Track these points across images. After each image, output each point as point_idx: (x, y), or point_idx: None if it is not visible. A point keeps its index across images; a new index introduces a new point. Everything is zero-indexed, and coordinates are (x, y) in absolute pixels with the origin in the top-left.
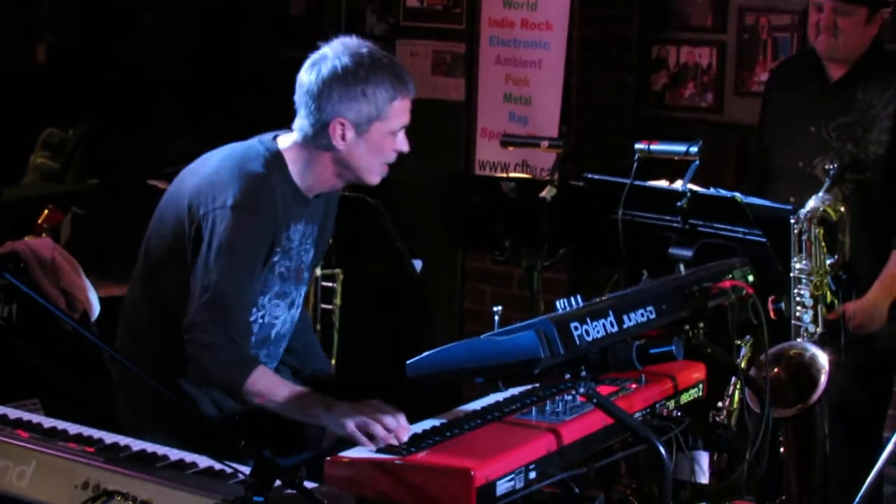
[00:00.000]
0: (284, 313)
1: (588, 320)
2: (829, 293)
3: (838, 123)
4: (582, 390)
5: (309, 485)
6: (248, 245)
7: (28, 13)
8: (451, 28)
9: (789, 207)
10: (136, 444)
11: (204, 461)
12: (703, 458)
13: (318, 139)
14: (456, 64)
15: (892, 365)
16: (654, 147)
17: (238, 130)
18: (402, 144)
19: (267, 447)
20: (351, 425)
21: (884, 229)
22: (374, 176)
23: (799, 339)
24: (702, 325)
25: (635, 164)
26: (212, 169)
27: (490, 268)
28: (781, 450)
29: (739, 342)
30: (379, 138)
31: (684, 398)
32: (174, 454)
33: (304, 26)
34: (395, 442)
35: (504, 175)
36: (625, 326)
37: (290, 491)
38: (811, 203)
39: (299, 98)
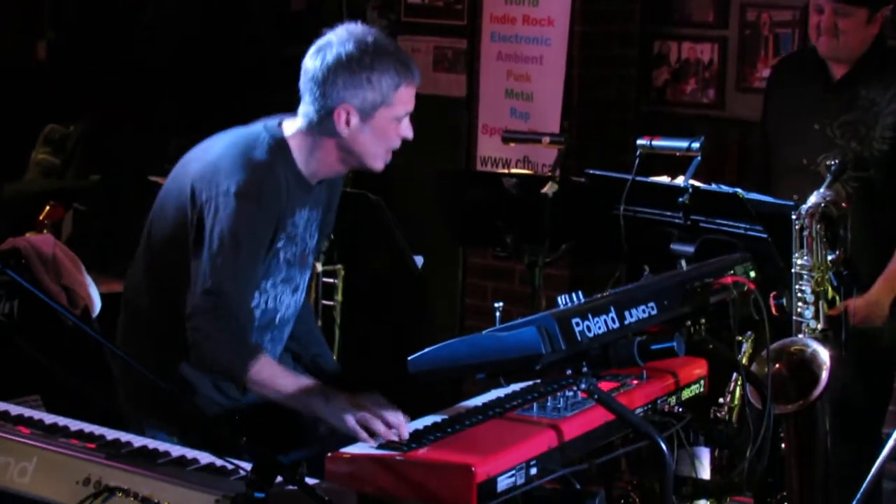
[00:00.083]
0: (289, 298)
1: (589, 316)
2: (830, 289)
3: (842, 121)
4: (583, 386)
5: (310, 481)
6: (251, 233)
7: (29, 10)
8: (453, 24)
9: (791, 203)
10: (138, 441)
11: (205, 457)
12: (705, 454)
13: (322, 125)
14: (457, 60)
15: (893, 361)
16: (655, 143)
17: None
18: (407, 131)
19: (268, 444)
20: (352, 421)
21: (887, 226)
22: (378, 162)
23: (800, 335)
24: (703, 321)
25: (637, 160)
26: (216, 155)
27: (491, 264)
28: (782, 446)
29: (741, 338)
30: (384, 125)
31: (686, 394)
32: (175, 450)
33: (304, 22)
34: (395, 438)
35: (505, 171)
36: (626, 322)
37: (291, 487)
38: (812, 199)
39: (304, 84)
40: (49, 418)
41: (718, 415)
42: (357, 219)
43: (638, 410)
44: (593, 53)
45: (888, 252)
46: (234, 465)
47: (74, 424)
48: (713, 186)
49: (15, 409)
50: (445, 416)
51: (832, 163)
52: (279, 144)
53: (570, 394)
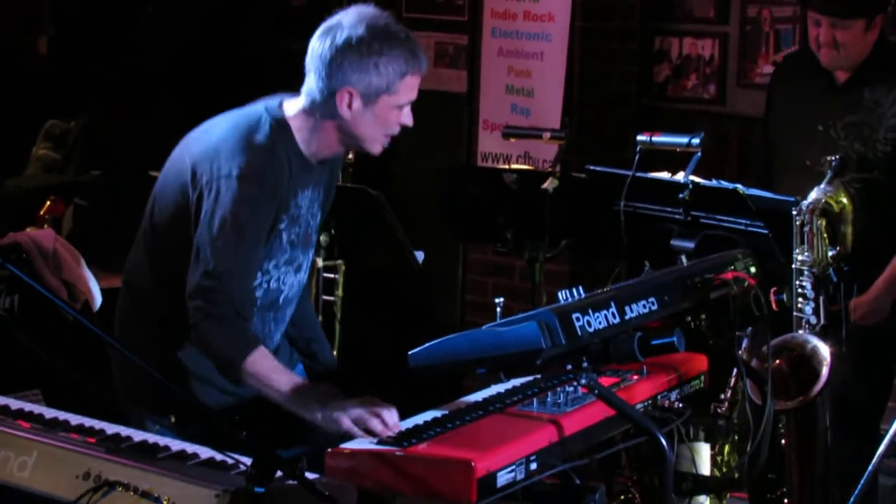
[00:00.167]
0: (292, 278)
1: (590, 311)
2: (830, 285)
3: (846, 122)
4: (583, 381)
5: (310, 476)
6: (253, 216)
7: (30, 5)
8: (454, 20)
9: (791, 199)
10: (138, 435)
11: (205, 452)
12: (705, 450)
13: (324, 106)
14: (458, 55)
15: (894, 357)
16: (656, 139)
17: None
18: (407, 118)
19: (268, 438)
20: (347, 421)
21: (890, 227)
22: (376, 146)
23: (801, 331)
24: (703, 316)
25: (637, 156)
26: (217, 137)
27: (492, 259)
28: (783, 442)
29: (741, 334)
30: (385, 111)
31: (686, 390)
32: (175, 445)
33: (305, 18)
34: (392, 434)
35: (506, 167)
36: (627, 318)
37: (291, 482)
38: (813, 195)
39: (310, 62)
40: (49, 413)
41: (719, 410)
42: (358, 214)
43: (638, 406)
44: (594, 49)
45: (891, 252)
46: (234, 459)
47: (74, 419)
48: (713, 182)
49: (15, 404)
50: (445, 412)
51: (833, 158)
52: (280, 125)
53: (571, 389)
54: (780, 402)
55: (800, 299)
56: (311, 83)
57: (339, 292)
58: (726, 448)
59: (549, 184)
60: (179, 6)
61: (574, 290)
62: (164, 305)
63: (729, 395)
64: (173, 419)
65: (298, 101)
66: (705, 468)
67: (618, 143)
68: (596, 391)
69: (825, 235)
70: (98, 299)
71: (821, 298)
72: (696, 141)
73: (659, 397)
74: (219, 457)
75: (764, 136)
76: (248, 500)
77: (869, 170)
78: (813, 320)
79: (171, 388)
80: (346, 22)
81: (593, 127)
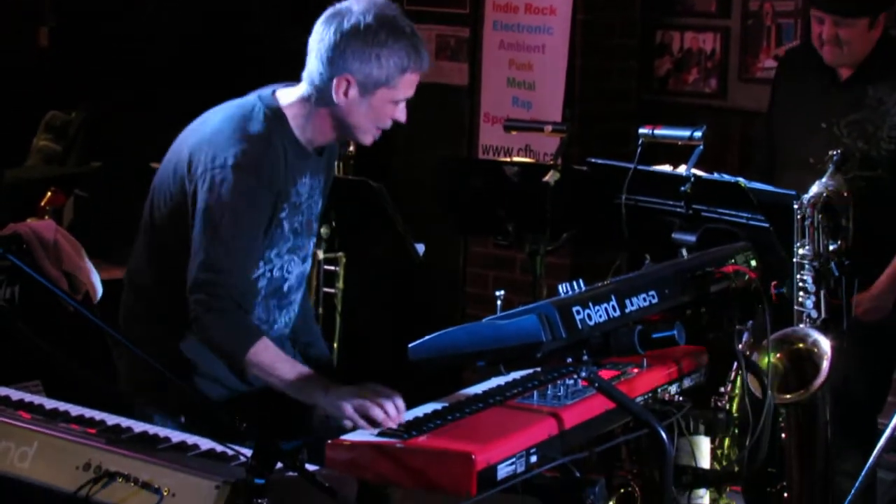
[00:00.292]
0: (297, 266)
1: (590, 304)
2: (831, 279)
3: (849, 120)
4: (583, 374)
5: (310, 467)
6: (250, 205)
7: None
8: (455, 12)
9: (792, 193)
10: (138, 426)
11: (206, 443)
12: (705, 443)
13: (321, 91)
14: (459, 48)
15: (894, 352)
16: (657, 132)
17: None
18: (401, 114)
19: (268, 430)
20: (349, 409)
21: (894, 225)
22: (366, 136)
23: (801, 325)
24: (704, 309)
25: (639, 149)
26: (213, 128)
27: (493, 252)
28: (783, 436)
29: (742, 327)
30: (381, 104)
31: (686, 383)
32: (176, 436)
33: (306, 10)
34: (393, 425)
35: (507, 160)
36: (627, 311)
37: (291, 473)
38: (814, 188)
39: (313, 45)
40: (49, 403)
41: (719, 404)
42: (359, 206)
43: (638, 399)
44: (595, 43)
45: (894, 249)
46: (234, 450)
47: (75, 410)
48: (715, 176)
49: (16, 395)
50: (445, 404)
51: (834, 153)
52: (275, 114)
53: (571, 382)
54: (780, 395)
55: (800, 293)
56: (312, 67)
57: (340, 284)
58: (726, 441)
59: (551, 177)
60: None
61: (575, 283)
62: (166, 301)
63: (729, 388)
64: (183, 419)
65: (296, 89)
66: (705, 461)
67: (619, 137)
68: (596, 384)
69: (826, 229)
70: (99, 290)
71: (822, 292)
72: (697, 134)
73: (659, 390)
74: (219, 448)
75: (767, 130)
76: (248, 492)
77: (872, 168)
78: (814, 314)
79: (171, 377)
80: (356, 8)
81: (594, 120)
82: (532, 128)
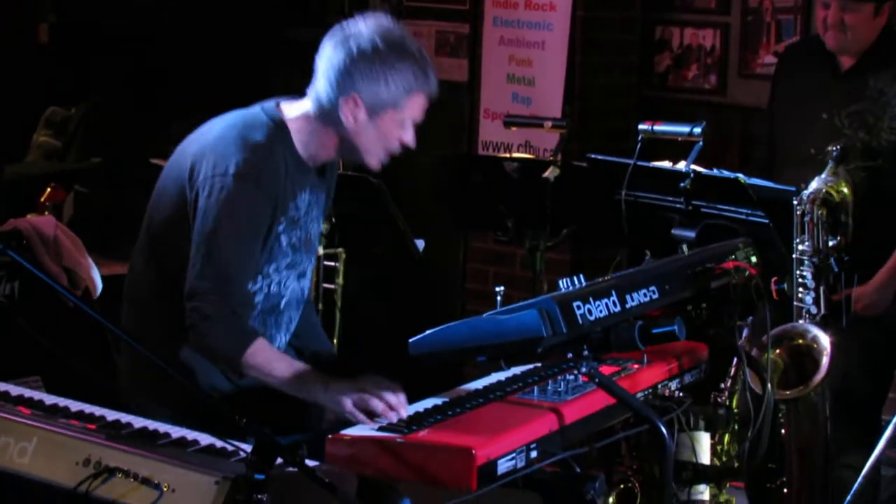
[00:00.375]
0: (294, 283)
1: (591, 300)
2: (831, 275)
3: (850, 111)
4: (584, 370)
5: (310, 463)
6: (250, 214)
7: None
8: (455, 9)
9: (792, 189)
10: (138, 422)
11: (205, 439)
12: (705, 439)
13: (329, 112)
14: (459, 44)
15: (894, 347)
16: (657, 128)
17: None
18: (409, 137)
19: (268, 425)
20: (349, 403)
21: (894, 216)
22: (374, 159)
23: (801, 321)
24: (704, 305)
25: (639, 145)
26: (214, 137)
27: (493, 248)
28: (782, 431)
29: (742, 323)
30: (388, 125)
31: (686, 379)
32: (176, 431)
33: (307, 5)
34: (394, 418)
35: (507, 155)
36: (627, 306)
37: (291, 469)
38: (814, 184)
39: (321, 66)
40: (49, 399)
41: (719, 400)
42: (358, 202)
43: (638, 394)
44: (595, 39)
45: (894, 242)
46: (234, 446)
47: (75, 405)
48: (715, 172)
49: (15, 390)
50: (446, 399)
51: (834, 148)
52: (278, 126)
53: (571, 377)
54: (780, 391)
55: (800, 289)
56: (320, 87)
57: (340, 280)
58: (726, 437)
59: (550, 172)
60: None
61: (575, 279)
62: (165, 310)
63: (729, 384)
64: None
65: (301, 104)
66: (705, 457)
67: (618, 133)
68: (596, 379)
69: (826, 225)
70: (99, 286)
71: (821, 288)
72: (697, 130)
73: (659, 386)
74: (219, 444)
75: (767, 126)
76: (248, 487)
77: (873, 158)
78: (813, 310)
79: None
80: (363, 31)
81: (594, 116)
82: (532, 124)
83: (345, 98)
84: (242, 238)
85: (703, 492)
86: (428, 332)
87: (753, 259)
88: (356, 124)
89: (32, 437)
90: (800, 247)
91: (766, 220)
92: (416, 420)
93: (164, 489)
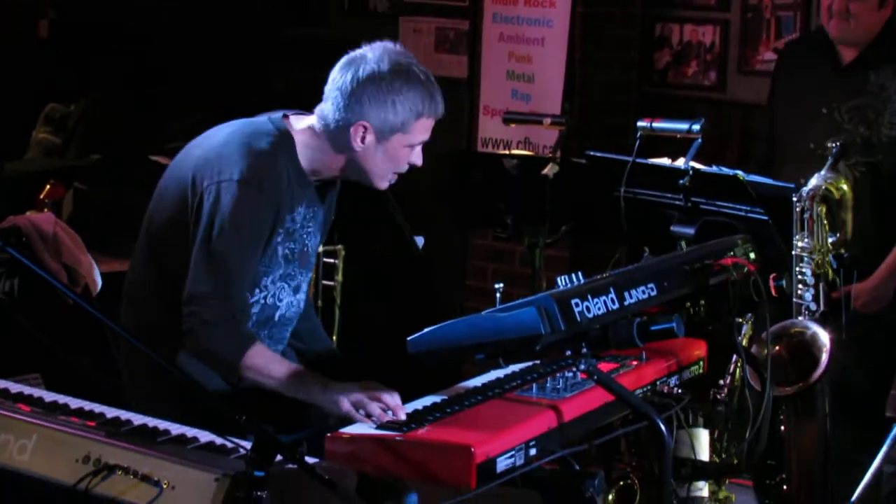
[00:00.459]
0: (289, 297)
1: (589, 297)
2: (830, 271)
3: (850, 106)
4: (583, 367)
5: (310, 460)
6: (252, 220)
7: None
8: (455, 5)
9: (791, 186)
10: (138, 419)
11: (205, 436)
12: (704, 436)
13: (337, 135)
14: (459, 41)
15: (894, 344)
16: (656, 125)
17: (240, 107)
18: (417, 159)
19: (268, 423)
20: (347, 404)
21: (894, 211)
22: (382, 182)
23: (800, 318)
24: (703, 302)
25: (638, 142)
26: (219, 142)
27: (492, 245)
28: (782, 428)
29: (741, 319)
30: (397, 149)
31: (685, 375)
32: (175, 429)
33: (307, 4)
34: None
35: (506, 152)
36: (626, 303)
37: (290, 466)
38: (813, 181)
39: (330, 91)
40: (49, 396)
41: (718, 396)
42: (358, 199)
43: (637, 391)
44: (595, 35)
45: (894, 237)
46: (234, 443)
47: (74, 402)
48: (714, 168)
49: (15, 387)
50: (445, 397)
51: (834, 145)
52: (283, 137)
53: (570, 375)
54: (779, 388)
55: (799, 286)
56: (328, 110)
57: (339, 277)
58: (725, 434)
59: (550, 169)
60: None
61: (573, 276)
62: (165, 313)
63: (728, 381)
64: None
65: (308, 119)
66: (704, 454)
67: (618, 129)
68: (595, 377)
69: (825, 222)
70: (98, 283)
71: (821, 285)
72: (696, 127)
73: (658, 383)
74: (219, 441)
75: (767, 122)
76: (247, 484)
77: (873, 154)
78: (813, 307)
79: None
80: (371, 57)
81: (594, 113)
82: (531, 120)
83: (353, 123)
84: (244, 244)
85: (702, 488)
86: (426, 329)
87: (752, 256)
88: (365, 148)
89: (32, 434)
90: (799, 243)
91: (766, 217)
92: (415, 418)
93: (164, 486)
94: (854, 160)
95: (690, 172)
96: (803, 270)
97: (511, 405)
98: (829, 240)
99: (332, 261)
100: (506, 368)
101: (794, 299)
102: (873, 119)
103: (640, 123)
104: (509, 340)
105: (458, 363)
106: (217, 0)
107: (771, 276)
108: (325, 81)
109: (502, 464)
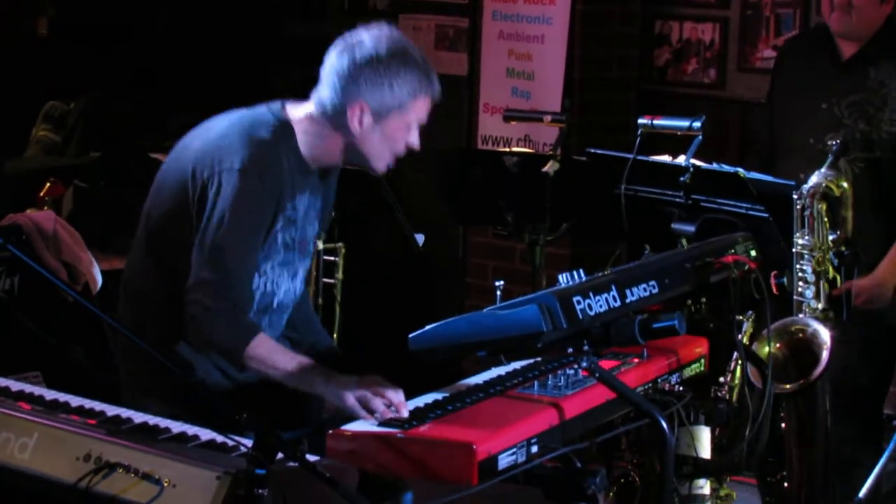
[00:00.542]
0: (287, 283)
1: (591, 294)
2: (831, 269)
3: (850, 101)
4: (584, 364)
5: (311, 458)
6: (254, 210)
7: None
8: (454, 2)
9: (792, 183)
10: (138, 417)
11: (206, 434)
12: (705, 433)
13: (335, 118)
14: (459, 38)
15: (894, 341)
16: (656, 122)
17: (240, 106)
18: (414, 140)
19: (269, 421)
20: (350, 398)
21: (894, 208)
22: (380, 163)
23: (801, 315)
24: (704, 299)
25: (638, 139)
26: (218, 133)
27: (492, 242)
28: (783, 426)
29: (742, 317)
30: (394, 129)
31: (686, 373)
32: (176, 427)
33: (307, 1)
34: (393, 416)
35: (506, 150)
36: (627, 301)
37: (292, 464)
38: (814, 178)
39: (326, 75)
40: (49, 394)
41: (719, 394)
42: (358, 196)
43: (639, 389)
44: (595, 33)
45: (894, 234)
46: (235, 441)
47: (75, 400)
48: (714, 166)
49: (15, 385)
50: (446, 394)
51: (834, 142)
52: (283, 126)
53: (571, 372)
54: (780, 385)
55: (800, 283)
56: (325, 94)
57: (340, 275)
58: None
59: (550, 167)
60: None
61: (575, 273)
62: (163, 309)
63: (729, 378)
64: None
65: (305, 106)
66: (705, 452)
67: (618, 127)
68: (597, 374)
69: (825, 219)
70: (98, 281)
71: (821, 282)
72: (697, 124)
73: (659, 380)
74: (220, 439)
75: (767, 116)
76: (249, 482)
77: (872, 150)
78: (813, 304)
79: (173, 368)
80: (368, 40)
81: (594, 110)
82: (531, 118)
83: (351, 104)
84: (246, 233)
85: (704, 486)
86: (428, 327)
87: (753, 253)
88: (362, 129)
89: (33, 432)
90: (800, 241)
91: (766, 215)
92: (417, 415)
93: (165, 484)
94: (854, 156)
95: (691, 170)
96: (804, 268)
97: (513, 402)
98: (830, 237)
99: (332, 258)
100: (507, 366)
101: (795, 297)
102: (873, 114)
103: (640, 121)
104: (511, 338)
105: (460, 360)
106: None
107: (772, 274)
108: None
109: (504, 461)
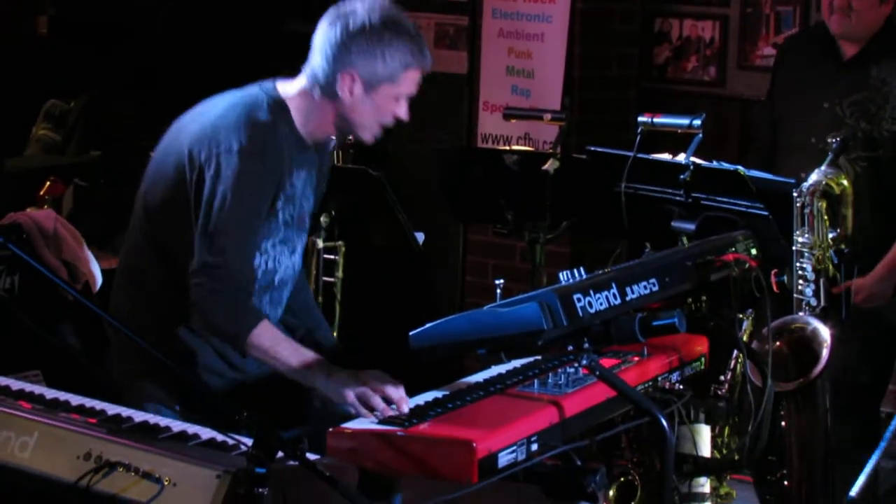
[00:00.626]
0: (287, 259)
1: (591, 292)
2: (831, 267)
3: (852, 100)
4: (584, 362)
5: (311, 456)
6: (255, 192)
7: None
8: (454, 1)
9: (792, 181)
10: (139, 416)
11: (206, 433)
12: (705, 432)
13: (326, 87)
14: (458, 37)
15: (894, 340)
16: (656, 120)
17: None
18: (403, 111)
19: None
20: (351, 395)
21: (894, 206)
22: (368, 133)
23: (801, 313)
24: (704, 297)
25: (638, 137)
26: (215, 115)
27: (492, 241)
28: (783, 424)
29: (742, 315)
30: (384, 100)
31: (687, 371)
32: (176, 426)
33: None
34: (394, 413)
35: (506, 148)
36: (628, 299)
37: (292, 462)
38: (814, 177)
39: (318, 43)
40: (50, 393)
41: (719, 392)
42: (358, 195)
43: (639, 387)
44: (594, 31)
45: (894, 232)
46: (235, 440)
47: (75, 399)
48: (714, 164)
49: (16, 384)
50: (446, 392)
51: (834, 140)
52: (279, 105)
53: (572, 370)
54: (780, 383)
55: (800, 281)
56: (316, 64)
57: (340, 273)
58: (727, 430)
59: (550, 165)
60: None
61: (575, 271)
62: (165, 292)
63: (729, 376)
64: (178, 407)
65: (297, 82)
66: (706, 450)
67: (618, 125)
68: (597, 372)
69: (825, 218)
70: (99, 280)
71: (821, 280)
72: (697, 122)
73: (660, 379)
74: (220, 437)
75: (767, 114)
76: (249, 481)
77: (874, 148)
78: (813, 302)
79: (173, 367)
80: (361, 9)
81: (594, 108)
82: (531, 116)
83: (342, 73)
84: (247, 215)
85: (704, 484)
86: (428, 325)
87: (753, 251)
88: (353, 99)
89: (33, 431)
90: (800, 239)
91: (766, 213)
92: (417, 413)
93: (165, 483)
94: (855, 155)
95: (691, 168)
96: (804, 266)
97: (513, 400)
98: (830, 235)
99: (332, 257)
100: (507, 364)
101: (795, 295)
102: (874, 113)
103: (641, 119)
104: (511, 335)
105: (460, 358)
106: None
107: (772, 272)
108: None
109: (504, 459)
